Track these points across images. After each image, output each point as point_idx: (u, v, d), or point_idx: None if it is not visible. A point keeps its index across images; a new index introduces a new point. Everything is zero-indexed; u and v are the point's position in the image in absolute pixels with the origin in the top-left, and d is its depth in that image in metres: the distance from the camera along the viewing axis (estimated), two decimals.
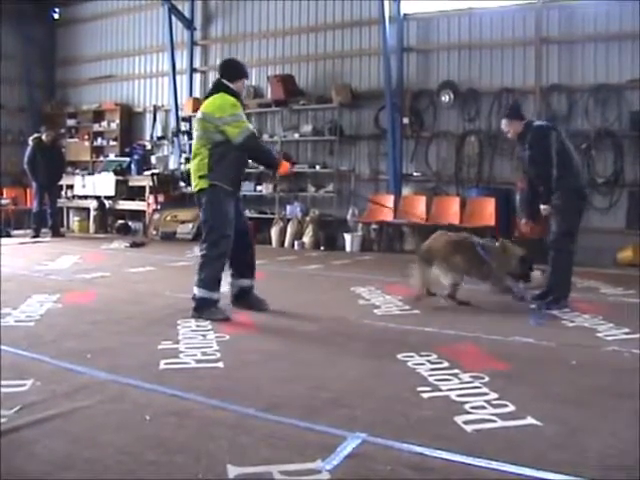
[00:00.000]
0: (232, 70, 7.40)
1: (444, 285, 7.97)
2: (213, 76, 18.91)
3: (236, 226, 7.27)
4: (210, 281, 7.06)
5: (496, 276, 7.95)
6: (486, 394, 4.43)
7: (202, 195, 7.14)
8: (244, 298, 7.50)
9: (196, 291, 7.06)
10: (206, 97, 7.42)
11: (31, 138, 16.60)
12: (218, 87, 7.31)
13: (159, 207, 17.16)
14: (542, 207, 8.07)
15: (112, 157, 19.98)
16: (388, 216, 14.84)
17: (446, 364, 5.19)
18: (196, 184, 7.18)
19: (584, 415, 4.12)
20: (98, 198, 18.24)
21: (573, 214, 7.96)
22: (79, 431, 3.70)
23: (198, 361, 5.23)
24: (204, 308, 6.99)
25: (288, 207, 16.22)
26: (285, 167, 7.48)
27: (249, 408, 4.06)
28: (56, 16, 22.09)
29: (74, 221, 18.88)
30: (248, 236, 7.69)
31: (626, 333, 6.54)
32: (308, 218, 15.55)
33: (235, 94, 7.21)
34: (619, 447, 3.60)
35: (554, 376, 5.04)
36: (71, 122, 21.37)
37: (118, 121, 20.33)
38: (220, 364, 5.16)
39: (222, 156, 7.05)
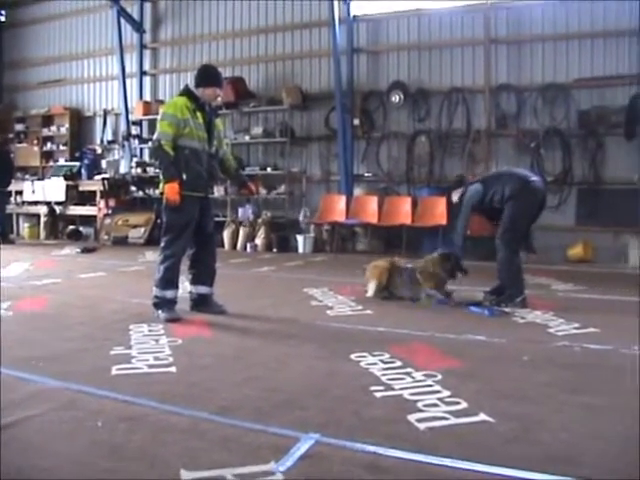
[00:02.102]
0: (198, 76, 7.39)
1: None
2: (163, 79, 18.91)
3: (201, 229, 7.37)
4: (161, 280, 7.16)
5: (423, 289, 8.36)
6: (439, 392, 4.45)
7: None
8: (203, 305, 7.50)
9: (153, 289, 7.21)
10: None
11: None
12: (182, 90, 7.50)
13: (110, 212, 17.06)
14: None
15: (62, 162, 19.84)
16: (340, 217, 14.90)
17: (399, 363, 5.21)
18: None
19: (536, 410, 4.16)
20: (48, 204, 18.08)
21: (520, 210, 8.08)
22: (31, 440, 3.65)
23: (150, 366, 5.18)
24: (158, 306, 7.14)
25: (240, 209, 16.22)
26: (172, 190, 6.96)
27: (202, 412, 4.05)
28: (2, 19, 21.82)
29: (24, 227, 18.68)
30: (212, 241, 7.70)
31: (576, 328, 6.66)
32: (260, 220, 15.57)
33: (194, 98, 7.23)
34: (571, 441, 3.65)
35: (506, 372, 5.09)
36: (20, 127, 21.14)
37: (68, 125, 20.19)
38: (172, 368, 5.12)
39: (175, 158, 7.06)
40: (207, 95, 7.29)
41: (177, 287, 7.26)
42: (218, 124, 7.62)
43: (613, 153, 13.66)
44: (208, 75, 7.42)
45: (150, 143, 7.08)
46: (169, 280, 7.16)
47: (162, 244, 7.27)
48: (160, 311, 7.08)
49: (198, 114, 7.20)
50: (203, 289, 7.48)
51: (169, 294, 7.15)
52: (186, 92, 7.34)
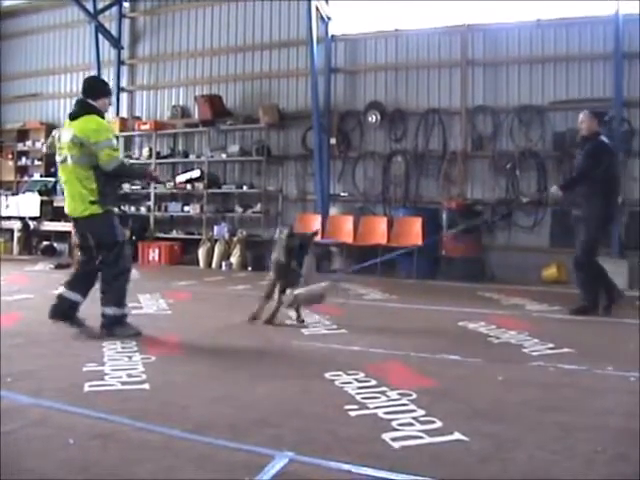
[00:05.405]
0: (96, 89, 7.26)
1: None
2: (140, 95, 18.83)
3: None
4: (122, 298, 7.08)
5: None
6: (413, 411, 4.45)
7: (94, 220, 6.97)
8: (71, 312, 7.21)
9: (107, 310, 6.99)
10: (72, 117, 7.07)
11: None
12: (84, 107, 7.09)
13: None
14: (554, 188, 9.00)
15: (37, 177, 19.64)
16: (316, 236, 14.88)
17: (374, 382, 5.20)
18: (84, 209, 6.94)
19: (510, 429, 4.17)
20: (22, 219, 17.91)
21: (594, 238, 8.61)
22: (1, 458, 3.60)
23: (124, 383, 5.15)
24: (116, 326, 6.98)
25: (215, 227, 16.14)
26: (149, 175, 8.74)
27: (175, 429, 4.02)
28: None
29: None
30: None
31: (551, 348, 6.68)
32: (235, 238, 15.49)
33: (102, 114, 7.13)
34: (545, 459, 3.66)
35: (481, 392, 5.10)
36: None
37: (43, 140, 20.00)
38: (146, 385, 5.09)
39: (107, 179, 6.97)
40: (103, 106, 7.23)
41: None
42: None
43: None
44: (101, 86, 7.41)
45: (112, 171, 6.92)
46: (125, 296, 7.14)
47: (111, 259, 7.02)
48: (118, 330, 6.95)
49: None
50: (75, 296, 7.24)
51: (126, 310, 7.16)
52: (92, 109, 7.06)
